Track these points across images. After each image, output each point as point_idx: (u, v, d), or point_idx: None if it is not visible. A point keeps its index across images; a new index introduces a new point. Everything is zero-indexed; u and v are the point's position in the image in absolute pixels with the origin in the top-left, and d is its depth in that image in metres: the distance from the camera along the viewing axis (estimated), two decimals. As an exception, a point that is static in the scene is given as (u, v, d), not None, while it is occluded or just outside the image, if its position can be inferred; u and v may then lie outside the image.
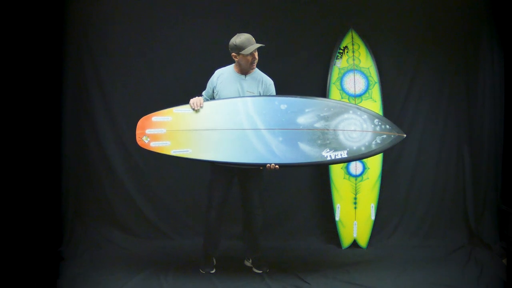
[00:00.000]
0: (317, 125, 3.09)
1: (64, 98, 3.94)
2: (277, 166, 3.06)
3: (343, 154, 3.07)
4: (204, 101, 3.24)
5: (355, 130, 3.10)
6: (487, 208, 4.04)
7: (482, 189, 4.07)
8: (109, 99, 4.10)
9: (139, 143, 3.15)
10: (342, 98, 4.02)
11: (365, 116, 3.11)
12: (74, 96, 4.02)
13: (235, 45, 3.15)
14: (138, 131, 3.16)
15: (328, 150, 3.06)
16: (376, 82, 4.07)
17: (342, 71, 4.06)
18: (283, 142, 3.07)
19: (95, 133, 4.10)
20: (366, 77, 4.07)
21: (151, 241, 4.05)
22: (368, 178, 4.05)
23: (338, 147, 3.07)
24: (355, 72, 4.05)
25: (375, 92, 4.06)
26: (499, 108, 4.02)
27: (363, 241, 4.03)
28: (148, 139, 3.13)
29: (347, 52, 4.07)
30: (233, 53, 3.20)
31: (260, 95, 3.24)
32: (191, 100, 3.19)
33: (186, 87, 4.08)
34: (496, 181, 4.02)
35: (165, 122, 3.15)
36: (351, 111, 3.12)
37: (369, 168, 4.05)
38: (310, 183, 4.30)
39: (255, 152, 3.08)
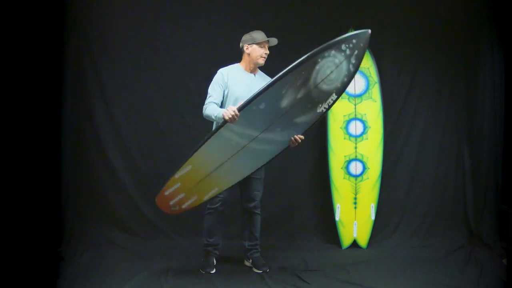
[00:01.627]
0: (300, 95, 3.01)
1: (64, 99, 3.94)
2: (300, 136, 3.12)
3: (333, 98, 3.05)
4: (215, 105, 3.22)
5: (331, 72, 2.99)
6: (487, 208, 4.03)
7: (482, 189, 4.06)
8: (109, 99, 4.10)
9: (173, 213, 3.23)
10: (342, 98, 4.00)
11: (333, 52, 2.97)
12: (74, 96, 4.02)
13: (251, 36, 3.27)
14: (164, 209, 3.22)
15: (320, 106, 3.05)
16: (376, 82, 4.06)
17: (342, 71, 4.05)
18: (283, 129, 3.08)
19: (95, 133, 4.10)
20: (366, 77, 4.07)
21: (151, 241, 4.05)
22: (368, 178, 4.05)
23: (326, 96, 3.04)
24: (355, 72, 4.04)
25: (375, 92, 4.06)
26: (499, 108, 4.02)
27: (363, 241, 4.03)
28: (177, 207, 3.19)
29: (347, 52, 4.06)
30: (246, 45, 3.28)
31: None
32: (225, 115, 2.99)
33: (186, 86, 4.11)
34: (496, 181, 4.02)
35: (177, 189, 3.15)
36: (319, 59, 2.97)
37: (369, 168, 4.05)
38: (310, 183, 4.30)
39: (268, 152, 3.14)
